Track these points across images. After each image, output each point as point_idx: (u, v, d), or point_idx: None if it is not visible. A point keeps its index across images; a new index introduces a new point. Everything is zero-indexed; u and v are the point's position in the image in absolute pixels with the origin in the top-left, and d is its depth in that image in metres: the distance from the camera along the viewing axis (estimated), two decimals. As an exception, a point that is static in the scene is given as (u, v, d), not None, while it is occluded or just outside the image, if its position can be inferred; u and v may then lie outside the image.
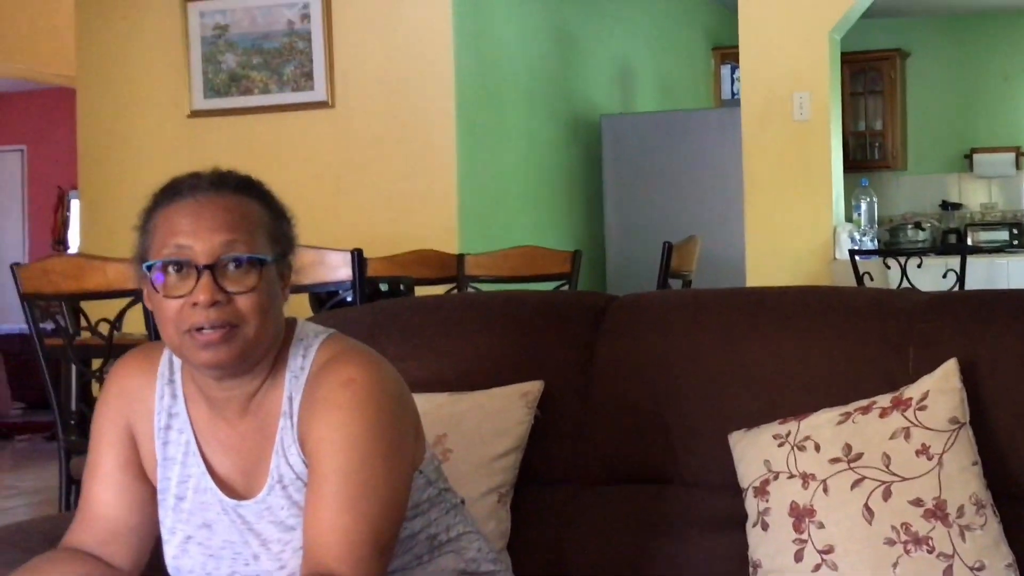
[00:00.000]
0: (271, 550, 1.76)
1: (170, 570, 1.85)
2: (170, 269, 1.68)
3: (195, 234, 1.68)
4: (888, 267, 5.48)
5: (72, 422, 3.69)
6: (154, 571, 1.87)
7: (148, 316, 3.26)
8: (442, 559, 1.88)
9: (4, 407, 8.58)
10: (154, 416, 1.83)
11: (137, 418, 1.84)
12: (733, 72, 7.29)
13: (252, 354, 1.72)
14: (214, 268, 1.67)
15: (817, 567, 2.03)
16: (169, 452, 1.82)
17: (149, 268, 1.69)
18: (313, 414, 1.72)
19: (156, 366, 1.85)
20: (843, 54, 6.45)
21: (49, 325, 3.89)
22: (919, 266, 5.40)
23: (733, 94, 7.32)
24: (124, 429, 1.85)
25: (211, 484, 1.79)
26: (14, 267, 3.48)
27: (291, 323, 1.81)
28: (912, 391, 2.11)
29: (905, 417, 2.08)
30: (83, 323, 3.87)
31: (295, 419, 1.75)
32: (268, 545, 1.76)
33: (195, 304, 1.66)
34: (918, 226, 8.95)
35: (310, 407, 1.73)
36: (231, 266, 1.68)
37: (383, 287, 4.16)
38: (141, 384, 1.85)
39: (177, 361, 1.83)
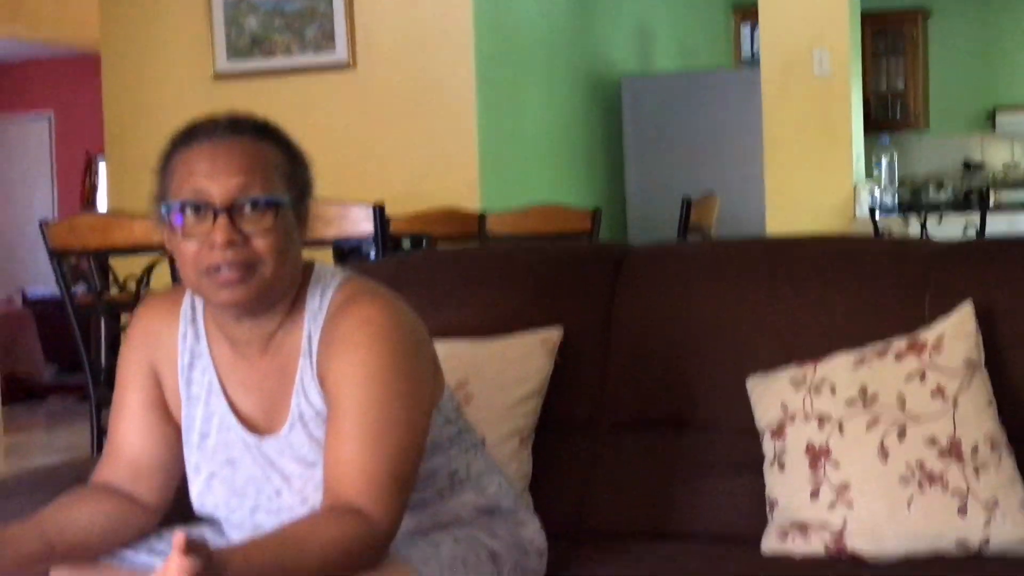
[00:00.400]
0: (293, 486, 1.80)
1: (196, 507, 1.90)
2: (188, 211, 1.71)
3: (212, 176, 1.71)
4: (907, 223, 5.49)
5: (102, 376, 3.74)
6: (181, 508, 1.92)
7: (175, 271, 3.30)
8: (463, 495, 1.92)
9: (37, 369, 8.68)
10: (177, 356, 1.87)
11: (161, 359, 1.89)
12: (752, 32, 7.28)
13: (270, 294, 1.75)
14: (231, 210, 1.70)
15: (833, 505, 2.06)
16: (193, 391, 1.86)
17: (168, 210, 1.73)
18: (332, 353, 1.76)
19: (179, 308, 1.89)
20: (864, 14, 6.43)
21: (80, 288, 3.95)
22: (939, 222, 5.41)
23: (752, 54, 7.31)
24: (149, 370, 1.89)
25: (234, 422, 1.83)
26: (42, 224, 3.53)
27: (309, 265, 1.84)
28: (928, 334, 2.14)
29: (920, 359, 2.11)
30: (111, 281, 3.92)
31: (314, 358, 1.78)
32: (290, 481, 1.80)
33: (212, 245, 1.70)
34: (940, 186, 8.91)
35: (328, 346, 1.77)
36: (248, 208, 1.71)
37: (406, 244, 4.20)
38: (164, 326, 1.89)
39: (199, 302, 1.87)
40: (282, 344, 1.81)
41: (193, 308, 1.88)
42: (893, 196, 6.52)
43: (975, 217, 5.45)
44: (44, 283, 9.36)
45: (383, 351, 1.74)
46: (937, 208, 5.67)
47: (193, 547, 1.44)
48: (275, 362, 1.81)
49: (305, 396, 1.79)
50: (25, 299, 9.73)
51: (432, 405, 1.84)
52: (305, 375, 1.79)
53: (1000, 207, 7.89)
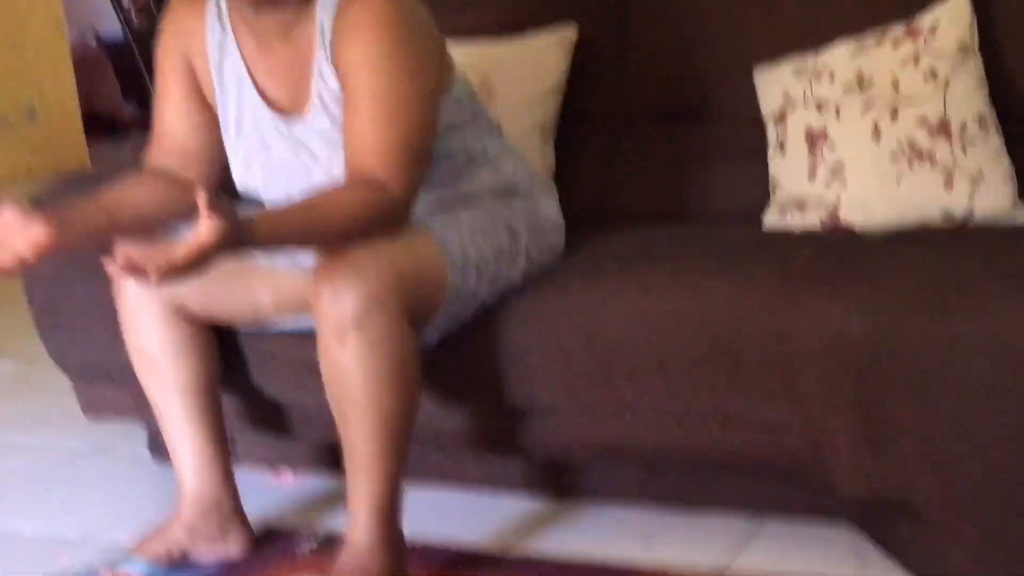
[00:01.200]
0: (320, 164, 1.98)
1: (238, 187, 2.09)
2: None
3: None
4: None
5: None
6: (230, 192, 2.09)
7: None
8: (480, 175, 2.08)
9: (117, 106, 8.94)
10: (207, 49, 2.03)
11: (193, 51, 2.05)
12: None
13: None
14: None
15: (829, 183, 2.20)
16: (225, 82, 2.03)
17: None
18: (343, 40, 1.91)
19: (205, 4, 2.04)
20: None
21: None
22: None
23: None
24: (184, 61, 2.07)
25: (264, 108, 2.01)
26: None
27: None
28: (924, 20, 2.21)
29: (915, 44, 2.19)
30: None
31: (328, 47, 1.93)
32: (318, 160, 1.98)
33: None
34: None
35: (340, 34, 1.92)
36: None
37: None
38: (192, 21, 2.05)
39: (223, 0, 2.02)
40: (300, 34, 1.95)
41: (218, 5, 2.03)
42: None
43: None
44: (117, 24, 9.44)
45: (389, 36, 1.88)
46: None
47: (219, 208, 1.62)
48: (295, 50, 1.96)
49: (323, 81, 1.95)
50: (99, 40, 9.87)
51: (442, 86, 1.98)
52: (321, 62, 1.94)
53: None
